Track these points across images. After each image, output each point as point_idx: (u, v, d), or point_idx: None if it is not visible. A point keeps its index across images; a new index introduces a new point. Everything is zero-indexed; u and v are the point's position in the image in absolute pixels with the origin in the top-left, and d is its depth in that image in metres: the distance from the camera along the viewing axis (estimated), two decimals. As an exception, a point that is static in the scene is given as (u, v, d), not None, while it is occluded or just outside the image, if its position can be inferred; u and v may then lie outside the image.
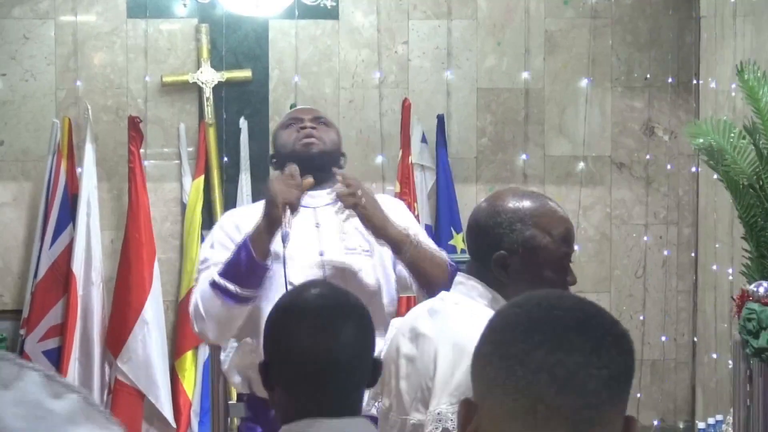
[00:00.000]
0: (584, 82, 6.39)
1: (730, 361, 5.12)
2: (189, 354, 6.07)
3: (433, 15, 6.34)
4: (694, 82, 6.37)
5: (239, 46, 6.24)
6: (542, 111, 6.39)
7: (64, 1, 6.17)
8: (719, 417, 4.99)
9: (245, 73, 6.22)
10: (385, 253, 3.67)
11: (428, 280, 3.57)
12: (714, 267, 6.07)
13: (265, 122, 6.25)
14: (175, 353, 6.11)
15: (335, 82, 6.31)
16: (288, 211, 3.49)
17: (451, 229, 6.10)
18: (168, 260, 6.20)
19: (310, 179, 3.63)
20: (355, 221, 3.63)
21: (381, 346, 2.88)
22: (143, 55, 6.21)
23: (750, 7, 5.66)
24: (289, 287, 3.40)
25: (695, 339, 6.44)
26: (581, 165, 6.41)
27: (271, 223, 3.50)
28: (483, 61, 6.37)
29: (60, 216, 5.94)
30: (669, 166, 6.43)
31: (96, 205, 6.02)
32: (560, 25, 6.39)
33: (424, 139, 6.20)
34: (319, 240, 3.68)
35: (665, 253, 6.46)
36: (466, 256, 2.94)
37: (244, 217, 3.74)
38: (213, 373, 4.22)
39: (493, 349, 1.49)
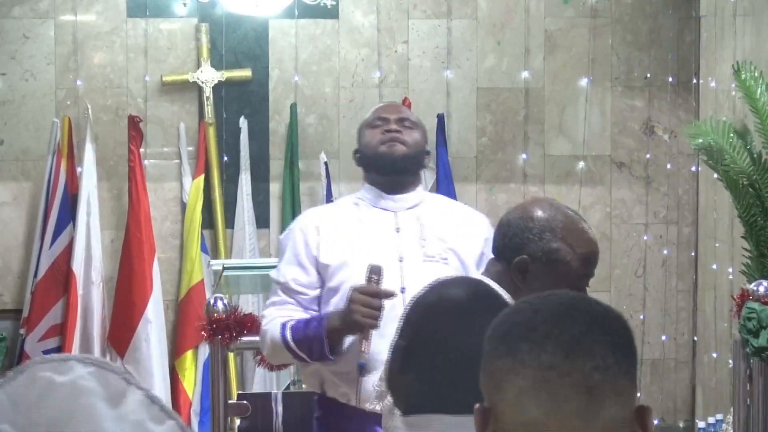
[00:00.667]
0: (584, 82, 6.39)
1: (730, 361, 5.12)
2: (189, 354, 6.07)
3: (433, 14, 6.34)
4: (694, 81, 6.37)
5: (239, 45, 6.24)
6: (542, 111, 6.39)
7: (64, 1, 6.17)
8: (719, 416, 4.99)
9: (245, 73, 6.22)
10: (468, 260, 3.64)
11: None
12: (714, 266, 6.07)
13: (265, 122, 6.25)
14: (175, 353, 6.11)
15: (335, 82, 6.31)
16: (369, 333, 3.43)
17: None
18: (168, 260, 6.20)
19: (391, 292, 3.48)
20: (436, 227, 3.63)
21: None
22: (143, 55, 6.21)
23: (750, 7, 5.66)
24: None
25: (695, 338, 6.44)
26: (581, 164, 6.41)
27: (349, 332, 3.49)
28: (483, 61, 6.37)
29: (60, 215, 5.94)
30: (669, 166, 6.43)
31: (96, 204, 6.02)
32: (560, 25, 6.39)
33: (424, 139, 6.20)
34: (398, 246, 3.64)
35: (665, 252, 6.46)
36: None
37: (325, 218, 3.70)
38: (213, 373, 4.22)
39: (498, 342, 1.53)
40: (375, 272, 3.45)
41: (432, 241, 3.65)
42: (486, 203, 6.28)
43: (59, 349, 5.92)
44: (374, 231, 3.60)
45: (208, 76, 6.17)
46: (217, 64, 6.19)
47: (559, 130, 6.41)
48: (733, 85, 5.53)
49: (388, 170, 3.65)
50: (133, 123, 6.00)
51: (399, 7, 6.32)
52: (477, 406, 1.55)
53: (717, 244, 6.03)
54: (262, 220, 6.25)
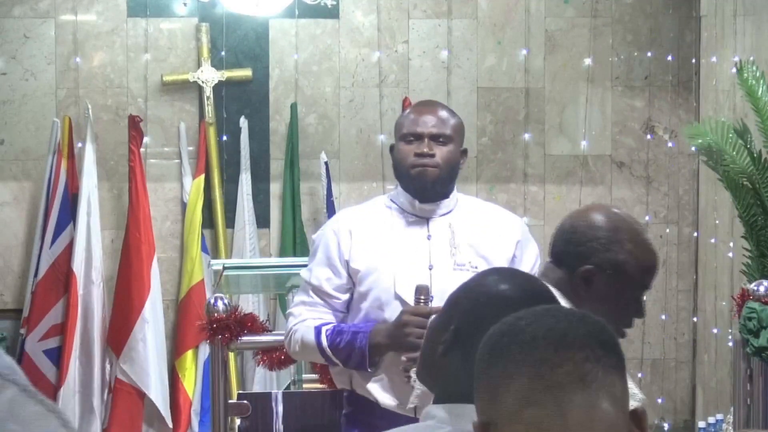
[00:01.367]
0: (584, 82, 6.39)
1: (730, 361, 5.12)
2: (189, 353, 6.07)
3: (433, 14, 6.34)
4: (694, 81, 6.37)
5: (239, 45, 6.24)
6: (542, 110, 6.39)
7: (65, 1, 6.17)
8: (719, 416, 4.99)
9: (245, 73, 6.22)
10: (498, 265, 3.62)
11: None
12: (714, 266, 6.08)
13: (265, 121, 6.25)
14: (175, 353, 6.11)
15: (335, 82, 6.31)
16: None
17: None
18: (168, 259, 6.20)
19: (435, 309, 3.39)
20: (467, 234, 3.62)
21: None
22: (143, 55, 6.21)
23: (750, 7, 5.66)
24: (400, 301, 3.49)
25: (695, 338, 6.44)
26: (581, 164, 6.41)
27: (395, 350, 3.51)
28: (483, 61, 6.37)
29: (60, 215, 5.94)
30: (669, 166, 6.43)
31: (96, 204, 6.02)
32: (560, 25, 6.39)
33: (424, 139, 6.20)
34: (429, 253, 3.64)
35: (665, 252, 6.46)
36: None
37: (359, 222, 3.69)
38: (213, 373, 4.22)
39: (489, 354, 1.56)
40: (423, 293, 3.48)
41: (463, 249, 3.64)
42: (486, 203, 6.28)
43: (60, 349, 5.93)
44: (405, 238, 3.61)
45: (209, 75, 6.17)
46: (217, 64, 6.19)
47: (559, 130, 6.41)
48: (735, 84, 5.54)
49: (419, 191, 3.64)
50: (134, 123, 6.00)
51: (399, 6, 6.32)
52: (474, 423, 1.55)
53: (717, 244, 6.04)
54: (262, 220, 6.25)
